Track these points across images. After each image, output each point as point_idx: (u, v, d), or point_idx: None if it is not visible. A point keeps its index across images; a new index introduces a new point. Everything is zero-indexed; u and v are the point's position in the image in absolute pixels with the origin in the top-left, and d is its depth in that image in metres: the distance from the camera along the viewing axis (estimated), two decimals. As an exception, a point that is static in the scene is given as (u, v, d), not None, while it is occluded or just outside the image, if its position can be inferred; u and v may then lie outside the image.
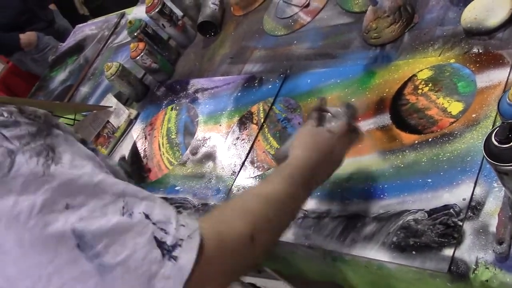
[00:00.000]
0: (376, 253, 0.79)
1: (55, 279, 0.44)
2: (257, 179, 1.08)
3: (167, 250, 0.51)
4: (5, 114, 0.49)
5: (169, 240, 0.52)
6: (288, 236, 0.92)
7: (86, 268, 0.45)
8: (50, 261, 0.44)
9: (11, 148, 0.45)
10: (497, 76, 0.87)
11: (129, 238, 0.49)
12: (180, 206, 1.18)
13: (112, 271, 0.47)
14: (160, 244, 0.51)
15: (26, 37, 2.95)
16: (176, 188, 1.23)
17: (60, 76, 2.33)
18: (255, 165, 1.11)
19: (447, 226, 0.75)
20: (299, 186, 0.72)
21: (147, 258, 0.49)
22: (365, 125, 0.98)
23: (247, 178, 1.10)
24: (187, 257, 0.51)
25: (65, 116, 1.75)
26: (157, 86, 1.65)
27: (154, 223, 0.52)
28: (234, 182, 1.11)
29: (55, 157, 0.48)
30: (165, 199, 1.19)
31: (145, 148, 1.46)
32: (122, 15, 2.25)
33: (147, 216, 0.52)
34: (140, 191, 0.55)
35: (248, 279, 1.78)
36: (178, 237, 0.52)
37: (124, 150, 1.52)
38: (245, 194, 0.67)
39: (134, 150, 1.49)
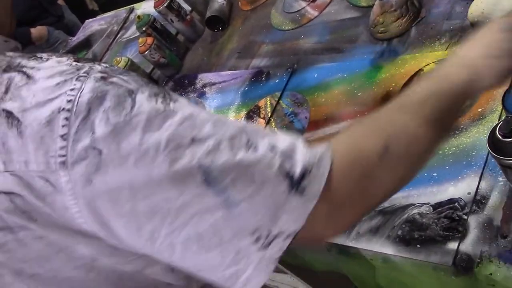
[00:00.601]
0: (381, 246, 0.80)
1: (183, 213, 0.45)
2: None
3: (295, 182, 0.48)
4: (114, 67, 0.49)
5: (297, 169, 0.48)
6: None
7: (214, 202, 0.45)
8: (178, 197, 0.44)
9: (130, 88, 0.45)
10: (503, 70, 0.87)
11: (256, 172, 0.47)
12: None
13: (239, 205, 0.46)
14: (288, 175, 0.48)
15: (37, 31, 2.98)
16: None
17: None
18: None
19: (452, 220, 0.75)
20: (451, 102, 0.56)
21: (275, 193, 0.47)
22: None
23: None
24: (315, 187, 0.48)
25: None
26: (165, 80, 1.66)
27: (280, 154, 0.48)
28: None
29: (172, 97, 0.48)
30: None
31: None
32: (131, 10, 2.27)
33: (272, 148, 0.48)
34: (261, 129, 0.53)
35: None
36: (306, 165, 0.48)
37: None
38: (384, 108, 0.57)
39: None
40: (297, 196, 0.47)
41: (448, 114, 0.55)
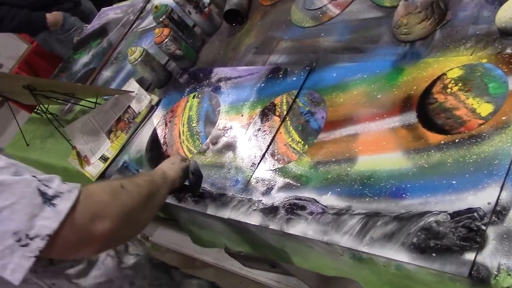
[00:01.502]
0: (395, 253, 0.79)
1: None
2: (277, 172, 1.08)
3: (48, 199, 0.69)
4: None
5: (50, 192, 0.71)
6: (306, 231, 0.92)
7: None
8: None
9: None
10: (530, 78, 0.86)
11: (17, 188, 0.67)
12: (198, 196, 1.19)
13: (2, 212, 0.66)
14: (42, 194, 0.70)
15: (53, 16, 2.99)
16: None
17: (83, 59, 2.36)
18: (276, 157, 1.11)
19: (469, 230, 0.74)
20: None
21: (30, 203, 0.68)
22: (390, 122, 0.97)
23: (266, 171, 1.10)
24: (64, 204, 0.70)
25: (86, 99, 1.78)
26: (180, 73, 1.66)
27: (39, 180, 0.71)
28: (253, 173, 1.12)
29: None
30: (186, 188, 1.21)
31: (165, 135, 1.47)
32: (148, 0, 2.27)
33: (33, 176, 0.71)
34: (34, 170, 0.74)
35: (259, 275, 1.80)
36: (58, 191, 0.72)
37: (144, 136, 1.54)
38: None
39: (154, 136, 1.50)
40: (50, 208, 0.69)
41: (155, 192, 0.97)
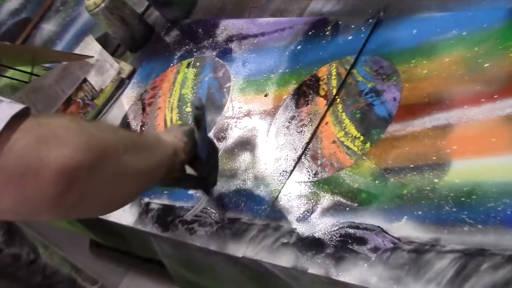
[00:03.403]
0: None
1: None
2: (321, 185, 1.07)
3: None
4: None
5: None
6: (367, 278, 0.91)
7: None
8: None
9: None
10: None
11: None
12: (193, 221, 1.20)
13: None
14: None
15: None
16: (190, 192, 1.25)
17: (11, 3, 2.36)
18: (319, 162, 1.10)
19: None
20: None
21: None
22: (504, 107, 0.95)
23: (303, 183, 1.09)
24: (5, 111, 0.73)
25: (17, 68, 1.78)
26: (166, 27, 1.67)
27: None
28: (283, 187, 1.11)
29: None
30: (169, 208, 1.23)
31: (142, 125, 1.48)
32: None
33: None
34: None
35: None
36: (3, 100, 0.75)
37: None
38: None
39: (125, 126, 1.52)
40: None
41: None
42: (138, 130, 1.48)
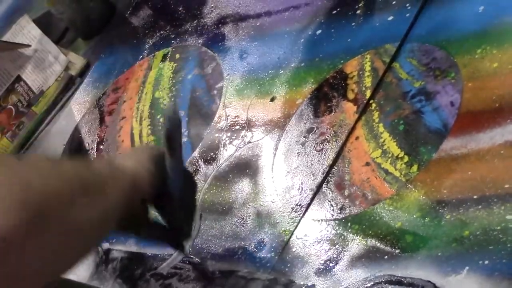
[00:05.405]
0: None
1: None
2: (349, 225, 1.09)
3: None
4: None
5: None
6: None
7: None
8: None
9: None
10: None
11: None
12: (171, 276, 1.21)
13: None
14: None
15: None
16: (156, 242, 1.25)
17: None
18: (347, 192, 1.13)
19: None
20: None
21: None
22: None
23: (325, 221, 1.12)
24: None
25: None
26: (133, 4, 1.71)
27: None
28: (296, 227, 1.13)
29: None
30: (138, 257, 1.25)
31: (100, 142, 1.51)
32: None
33: None
34: None
35: None
36: None
37: (54, 143, 1.58)
38: None
39: (76, 143, 1.55)
40: None
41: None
42: (94, 150, 1.48)
